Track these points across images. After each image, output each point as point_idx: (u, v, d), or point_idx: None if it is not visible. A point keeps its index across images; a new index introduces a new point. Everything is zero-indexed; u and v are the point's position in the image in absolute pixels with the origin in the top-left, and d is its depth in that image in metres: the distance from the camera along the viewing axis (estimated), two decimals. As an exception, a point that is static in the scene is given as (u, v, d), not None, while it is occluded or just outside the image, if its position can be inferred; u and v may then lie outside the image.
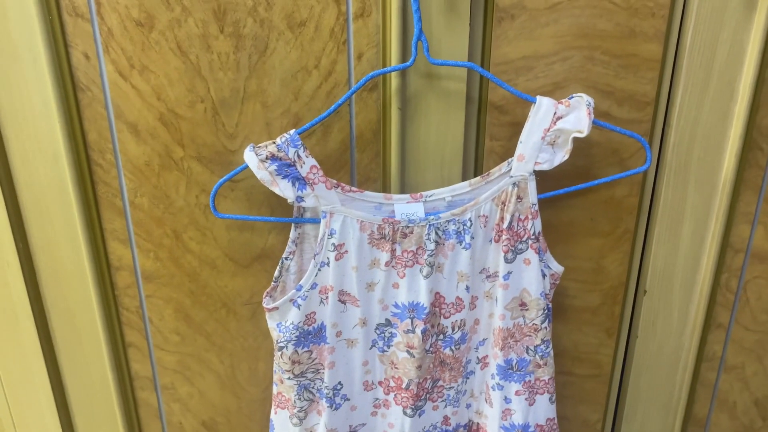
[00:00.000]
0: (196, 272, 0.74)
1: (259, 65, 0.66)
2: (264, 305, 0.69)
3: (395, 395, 0.73)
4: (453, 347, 0.72)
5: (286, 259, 0.69)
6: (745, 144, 0.73)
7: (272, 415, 0.76)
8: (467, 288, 0.70)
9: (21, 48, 0.64)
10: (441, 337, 0.71)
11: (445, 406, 0.76)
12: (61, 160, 0.68)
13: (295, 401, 0.72)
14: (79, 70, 0.66)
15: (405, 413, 0.73)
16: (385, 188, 0.73)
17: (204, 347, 0.78)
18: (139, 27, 0.64)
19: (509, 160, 0.67)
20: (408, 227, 0.67)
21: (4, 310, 0.75)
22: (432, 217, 0.67)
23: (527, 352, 0.72)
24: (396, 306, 0.70)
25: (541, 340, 0.72)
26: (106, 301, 0.75)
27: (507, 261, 0.68)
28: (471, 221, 0.67)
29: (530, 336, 0.72)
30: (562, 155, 0.66)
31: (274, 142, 0.63)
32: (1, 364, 0.80)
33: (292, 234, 0.69)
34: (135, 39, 0.64)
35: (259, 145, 0.63)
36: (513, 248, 0.68)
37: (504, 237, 0.68)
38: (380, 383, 0.74)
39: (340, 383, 0.72)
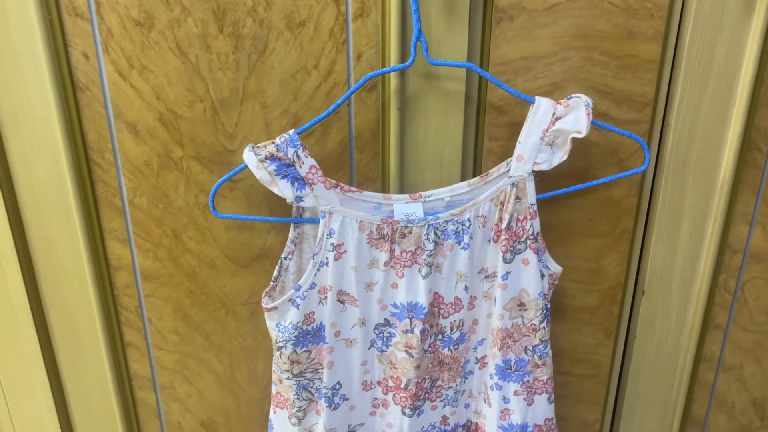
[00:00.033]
0: (195, 272, 0.74)
1: (258, 65, 0.66)
2: (263, 305, 0.69)
3: (394, 395, 0.74)
4: (452, 347, 0.72)
5: (285, 259, 0.69)
6: (744, 144, 0.73)
7: (271, 415, 0.76)
8: (466, 288, 0.70)
9: (20, 48, 0.64)
10: (440, 337, 0.72)
11: (444, 406, 0.76)
12: (60, 160, 0.68)
13: (293, 401, 0.72)
14: (79, 70, 0.66)
15: (404, 413, 0.73)
16: (384, 188, 0.73)
17: (203, 347, 0.78)
18: (138, 27, 0.64)
19: (508, 160, 0.67)
20: (407, 227, 0.67)
21: (3, 309, 0.75)
22: (431, 217, 0.67)
23: (526, 352, 0.73)
24: (395, 306, 0.70)
25: (540, 340, 0.72)
26: (105, 300, 0.75)
27: (506, 261, 0.69)
28: (470, 221, 0.67)
29: (529, 336, 0.72)
30: (560, 156, 0.66)
31: (273, 142, 0.63)
32: None
33: (291, 234, 0.69)
34: (134, 39, 0.64)
35: (259, 145, 0.63)
36: (512, 248, 0.68)
37: (503, 237, 0.68)
38: (379, 383, 0.74)
39: (338, 383, 0.72)
